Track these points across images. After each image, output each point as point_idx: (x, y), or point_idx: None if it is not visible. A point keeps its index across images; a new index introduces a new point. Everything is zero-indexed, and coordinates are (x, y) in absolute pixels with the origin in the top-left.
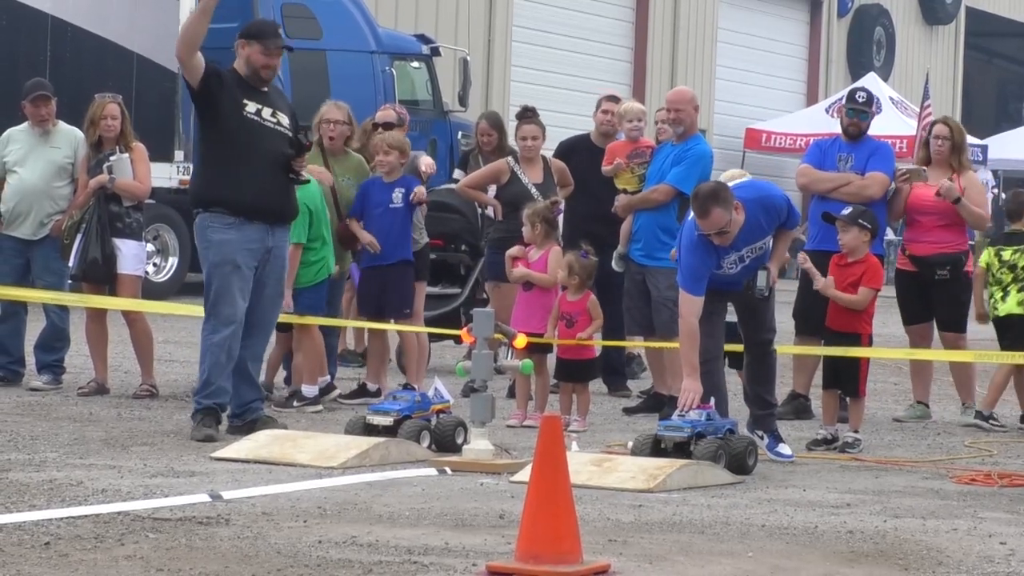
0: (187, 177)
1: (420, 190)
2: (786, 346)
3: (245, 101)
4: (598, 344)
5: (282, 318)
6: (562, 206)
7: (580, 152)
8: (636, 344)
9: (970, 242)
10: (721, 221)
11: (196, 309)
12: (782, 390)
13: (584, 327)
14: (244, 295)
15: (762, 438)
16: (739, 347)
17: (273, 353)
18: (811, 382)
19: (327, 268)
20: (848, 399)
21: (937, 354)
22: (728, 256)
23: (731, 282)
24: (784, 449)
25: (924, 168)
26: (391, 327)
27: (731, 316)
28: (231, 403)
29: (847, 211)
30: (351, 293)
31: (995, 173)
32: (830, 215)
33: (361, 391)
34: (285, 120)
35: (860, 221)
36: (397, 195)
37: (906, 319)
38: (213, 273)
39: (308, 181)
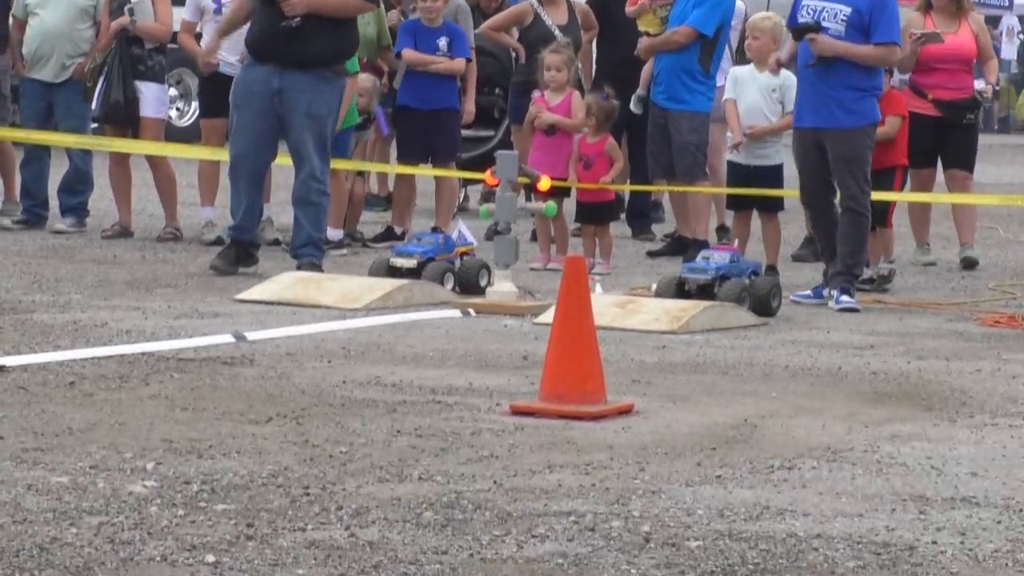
0: None
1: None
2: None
3: None
4: (620, 188)
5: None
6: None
7: None
8: (659, 188)
9: (995, 87)
10: None
11: (220, 153)
12: (797, 233)
13: (602, 169)
14: (247, 133)
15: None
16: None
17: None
18: None
19: (353, 115)
20: (877, 229)
21: (975, 198)
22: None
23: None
24: (845, 298)
25: (939, 32)
26: (419, 171)
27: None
28: (291, 246)
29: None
30: (375, 136)
31: (1021, 19)
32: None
33: (388, 234)
34: None
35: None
36: (443, 43)
37: (913, 164)
38: None
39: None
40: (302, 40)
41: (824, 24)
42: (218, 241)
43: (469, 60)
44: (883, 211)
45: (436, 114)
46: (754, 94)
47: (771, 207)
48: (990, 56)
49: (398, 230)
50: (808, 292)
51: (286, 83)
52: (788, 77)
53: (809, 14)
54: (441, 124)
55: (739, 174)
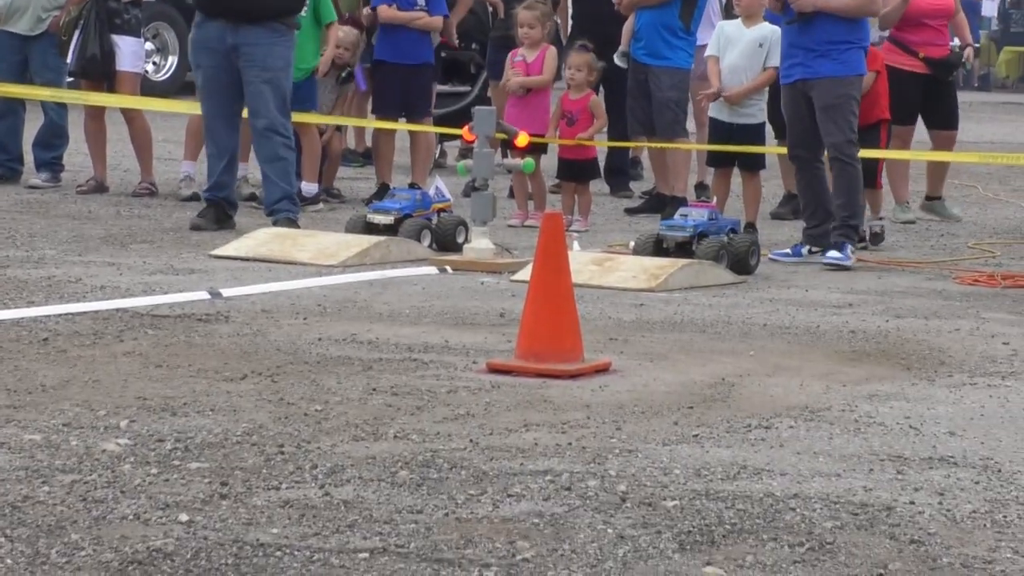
0: None
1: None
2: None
3: None
4: (600, 144)
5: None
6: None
7: None
8: (638, 144)
9: (975, 45)
10: None
11: (196, 107)
12: (776, 191)
13: (585, 126)
14: (210, 93)
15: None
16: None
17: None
18: None
19: (305, 61)
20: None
21: (954, 156)
22: None
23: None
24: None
25: None
26: (398, 126)
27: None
28: (264, 204)
29: None
30: (353, 91)
31: None
32: None
33: (383, 190)
34: None
35: None
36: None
37: (896, 120)
38: None
39: None
40: None
41: None
42: (194, 197)
43: (447, 17)
44: (872, 170)
45: (412, 69)
46: (737, 52)
47: (753, 165)
48: (958, 10)
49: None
50: (787, 251)
51: (240, 38)
52: (774, 31)
53: None
54: (416, 80)
55: (721, 131)
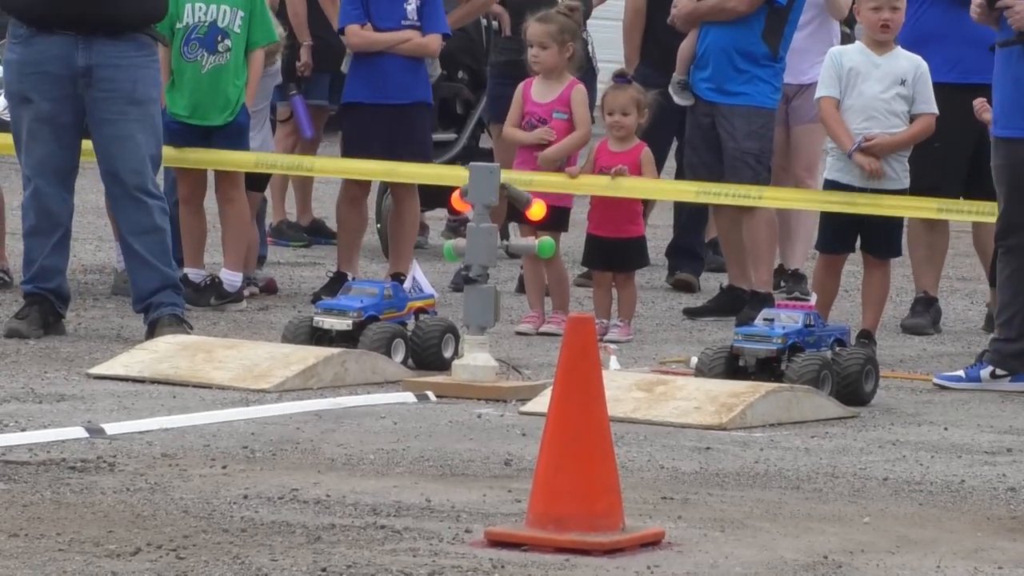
0: None
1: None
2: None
3: None
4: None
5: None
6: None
7: None
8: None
9: None
10: None
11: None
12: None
13: None
14: (40, 138)
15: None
16: None
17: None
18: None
19: (243, 97)
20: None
21: None
22: None
23: None
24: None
25: None
26: (352, 175)
27: None
28: (133, 297)
29: None
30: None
31: None
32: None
33: (338, 279)
34: None
35: None
36: (411, 8)
37: None
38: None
39: None
40: None
41: None
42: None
43: (448, 36)
44: None
45: (400, 112)
46: (870, 91)
47: (887, 249)
48: None
49: (350, 277)
50: (959, 373)
51: (97, 57)
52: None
53: None
54: (407, 126)
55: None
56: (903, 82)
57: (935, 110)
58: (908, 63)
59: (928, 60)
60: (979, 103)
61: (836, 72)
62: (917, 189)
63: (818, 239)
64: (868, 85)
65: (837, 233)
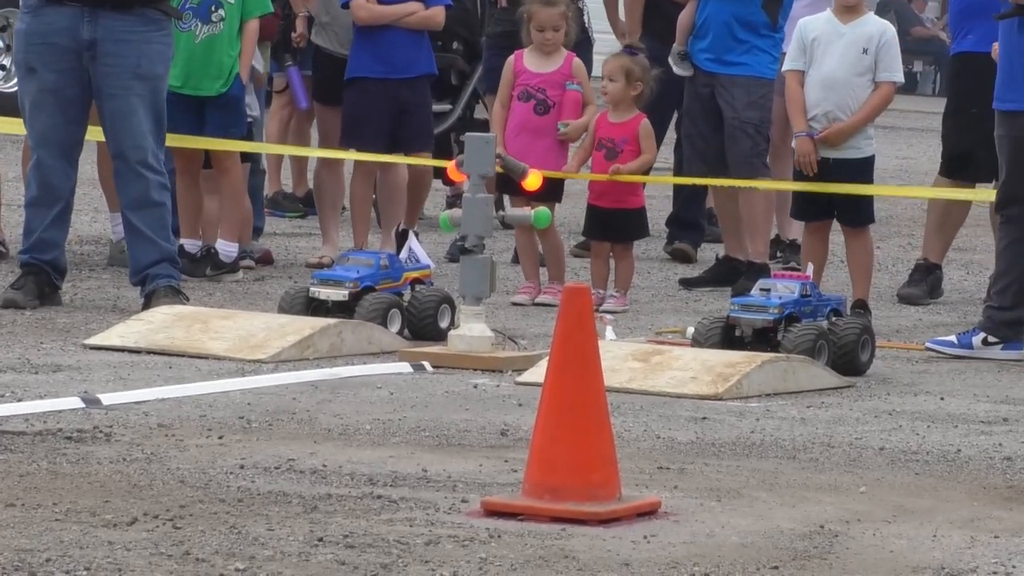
0: None
1: None
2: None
3: None
4: (660, 181)
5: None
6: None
7: None
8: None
9: None
10: None
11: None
12: (897, 254)
13: (630, 161)
14: (46, 110)
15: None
16: None
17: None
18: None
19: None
20: None
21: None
22: None
23: None
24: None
25: None
26: (350, 155)
27: None
28: (130, 270)
29: None
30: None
31: None
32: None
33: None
34: None
35: None
36: None
37: None
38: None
39: None
40: None
41: None
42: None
43: (450, 7)
44: None
45: (406, 85)
46: (834, 61)
47: (858, 218)
48: None
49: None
50: (951, 338)
51: (102, 31)
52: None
53: None
54: (412, 100)
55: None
56: (865, 50)
57: (897, 78)
58: (875, 28)
59: (972, 32)
60: None
61: (801, 44)
62: (952, 156)
63: (791, 207)
64: (829, 56)
65: (807, 199)
